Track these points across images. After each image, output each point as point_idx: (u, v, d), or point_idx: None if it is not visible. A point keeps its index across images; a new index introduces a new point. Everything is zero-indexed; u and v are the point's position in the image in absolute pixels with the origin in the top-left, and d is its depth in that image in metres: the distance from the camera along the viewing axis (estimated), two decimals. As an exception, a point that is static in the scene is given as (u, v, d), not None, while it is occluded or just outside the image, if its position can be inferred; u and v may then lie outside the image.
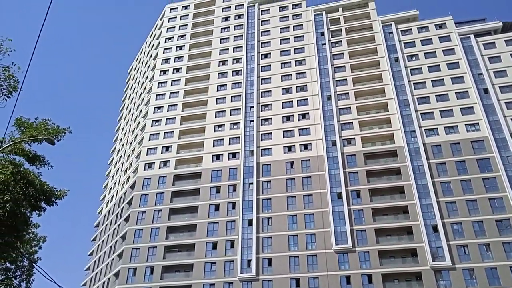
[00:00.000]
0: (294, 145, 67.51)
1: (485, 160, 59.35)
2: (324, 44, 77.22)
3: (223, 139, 71.34)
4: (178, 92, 79.64)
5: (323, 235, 58.36)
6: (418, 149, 62.23)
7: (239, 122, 72.23)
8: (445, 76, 68.11)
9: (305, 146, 67.10)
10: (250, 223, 61.86)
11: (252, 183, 65.24)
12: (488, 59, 68.20)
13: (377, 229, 57.74)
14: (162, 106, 78.65)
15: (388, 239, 57.49)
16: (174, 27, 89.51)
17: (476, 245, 53.48)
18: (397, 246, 56.37)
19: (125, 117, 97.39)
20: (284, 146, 67.84)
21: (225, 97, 76.07)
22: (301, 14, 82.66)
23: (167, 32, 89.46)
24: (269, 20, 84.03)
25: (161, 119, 77.05)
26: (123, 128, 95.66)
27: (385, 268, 54.84)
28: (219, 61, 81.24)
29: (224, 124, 72.97)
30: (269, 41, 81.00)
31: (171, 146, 73.37)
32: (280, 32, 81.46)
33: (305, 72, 74.81)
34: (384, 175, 62.61)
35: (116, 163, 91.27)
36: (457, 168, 59.55)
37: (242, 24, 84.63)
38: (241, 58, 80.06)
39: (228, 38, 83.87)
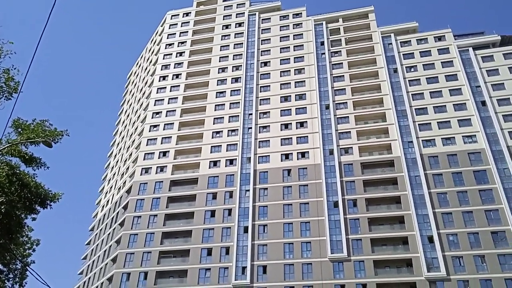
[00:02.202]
0: (291, 153, 67.60)
1: (481, 172, 59.53)
2: (324, 53, 77.69)
3: (221, 145, 71.41)
4: (177, 98, 79.82)
5: (318, 243, 58.25)
6: (415, 160, 62.40)
7: (237, 129, 72.35)
8: (443, 88, 68.53)
9: (303, 154, 67.20)
10: (246, 230, 61.73)
11: (248, 190, 65.20)
12: (486, 71, 68.70)
13: (373, 238, 57.67)
14: (161, 112, 78.78)
15: (384, 248, 57.43)
16: (175, 33, 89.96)
17: (472, 257, 53.45)
18: (392, 256, 56.28)
19: (123, 121, 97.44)
20: (281, 154, 67.93)
21: (224, 104, 76.28)
22: (302, 23, 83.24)
23: (167, 38, 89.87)
24: (270, 28, 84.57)
25: (159, 124, 77.13)
26: (121, 132, 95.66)
27: (380, 278, 54.70)
28: (219, 68, 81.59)
29: (222, 131, 73.08)
30: (269, 50, 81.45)
31: (169, 151, 73.37)
32: (280, 41, 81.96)
33: (304, 81, 75.15)
34: (380, 184, 62.67)
35: (112, 167, 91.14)
36: (454, 179, 59.69)
37: (243, 32, 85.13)
38: (241, 65, 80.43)
39: (228, 45, 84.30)
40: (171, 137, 75.00)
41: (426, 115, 66.52)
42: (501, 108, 64.36)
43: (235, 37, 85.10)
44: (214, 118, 75.00)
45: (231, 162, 69.25)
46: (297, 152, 67.43)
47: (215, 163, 69.87)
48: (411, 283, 54.11)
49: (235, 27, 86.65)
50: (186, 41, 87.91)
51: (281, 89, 75.40)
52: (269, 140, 69.98)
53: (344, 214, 59.81)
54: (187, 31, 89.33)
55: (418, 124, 65.88)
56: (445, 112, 66.05)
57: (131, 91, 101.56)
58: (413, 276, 53.97)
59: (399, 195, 60.25)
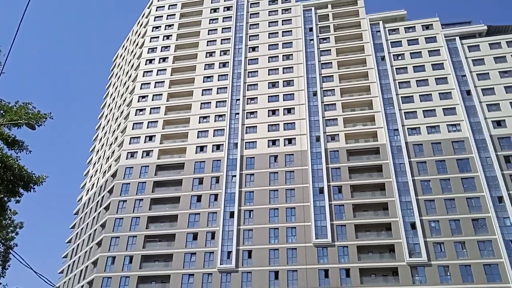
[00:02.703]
0: (278, 139, 67.75)
1: (464, 160, 60.57)
2: (312, 40, 77.41)
3: (208, 130, 71.15)
4: (163, 81, 78.96)
5: (303, 229, 58.90)
6: (400, 147, 63.12)
7: (224, 115, 72.07)
8: (429, 77, 69.07)
9: (289, 141, 67.41)
10: (231, 215, 62.03)
11: (235, 176, 65.32)
12: (472, 61, 69.37)
13: (357, 224, 58.53)
14: (147, 96, 77.92)
15: (367, 234, 58.37)
16: (162, 16, 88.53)
17: (452, 243, 54.70)
18: (376, 242, 57.27)
19: (109, 105, 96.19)
20: (268, 140, 68.03)
21: (211, 89, 75.75)
22: (290, 9, 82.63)
23: (154, 21, 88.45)
24: (258, 13, 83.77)
25: (145, 109, 76.37)
26: (106, 116, 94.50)
27: (363, 263, 55.71)
28: (206, 53, 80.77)
29: (209, 116, 72.73)
30: (257, 35, 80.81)
31: (155, 136, 72.86)
32: (269, 26, 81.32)
33: (292, 67, 74.95)
34: (366, 171, 63.36)
35: (98, 151, 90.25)
36: (437, 167, 60.65)
37: (231, 16, 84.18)
38: (229, 50, 79.73)
39: (216, 29, 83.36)
40: (157, 121, 74.39)
41: (412, 103, 67.10)
42: (485, 97, 65.22)
43: (223, 21, 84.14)
44: (201, 103, 74.51)
45: (217, 147, 69.15)
46: (284, 139, 67.60)
47: (201, 148, 69.69)
48: (393, 268, 55.26)
49: (223, 11, 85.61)
50: (173, 24, 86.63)
51: (269, 75, 75.12)
52: (256, 126, 69.94)
53: (329, 200, 60.46)
54: (175, 14, 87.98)
55: (404, 112, 66.46)
56: (430, 101, 66.70)
57: (117, 74, 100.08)
58: (395, 261, 55.08)
59: (384, 182, 61.05)
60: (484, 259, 52.89)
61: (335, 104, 69.62)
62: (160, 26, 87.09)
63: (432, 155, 61.81)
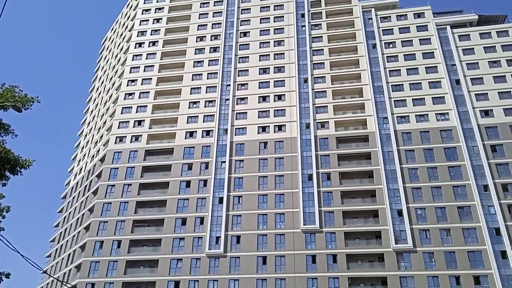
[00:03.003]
0: (268, 126, 67.72)
1: (452, 149, 61.27)
2: (304, 26, 76.90)
3: (198, 116, 70.78)
4: (153, 66, 78.03)
5: (292, 215, 59.35)
6: (389, 135, 63.55)
7: (215, 100, 71.66)
8: (420, 65, 69.26)
9: (280, 127, 67.42)
10: (220, 201, 62.19)
11: (224, 162, 65.30)
12: (462, 50, 69.63)
13: (345, 211, 59.14)
14: (136, 79, 77.04)
15: (355, 221, 59.05)
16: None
17: (437, 230, 55.65)
18: (363, 228, 58.00)
19: (97, 88, 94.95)
20: (258, 126, 67.96)
21: (202, 74, 75.10)
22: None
23: (144, 3, 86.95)
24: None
25: (134, 93, 75.56)
26: (95, 99, 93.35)
27: (350, 249, 56.46)
28: (197, 37, 79.82)
29: (199, 101, 72.26)
30: (249, 20, 80.00)
31: (144, 120, 72.29)
32: (260, 12, 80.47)
33: (284, 53, 74.53)
34: (354, 159, 63.80)
35: (86, 135, 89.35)
36: (425, 156, 61.30)
37: (222, 1, 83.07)
38: (220, 35, 78.88)
39: (207, 13, 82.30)
40: (146, 106, 73.74)
41: (402, 91, 67.37)
42: (474, 87, 65.72)
43: (214, 5, 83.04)
44: (191, 88, 73.93)
45: (207, 133, 68.92)
46: (274, 125, 67.58)
47: (191, 134, 69.40)
48: (379, 254, 56.12)
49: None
50: (163, 7, 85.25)
51: (260, 60, 74.64)
52: (246, 112, 69.74)
53: (317, 187, 60.88)
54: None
55: (394, 101, 66.74)
56: (420, 90, 67.01)
57: (105, 58, 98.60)
58: (381, 247, 55.91)
59: (372, 169, 61.57)
60: (468, 246, 53.97)
61: (325, 91, 69.60)
62: (150, 9, 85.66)
63: (420, 143, 62.39)
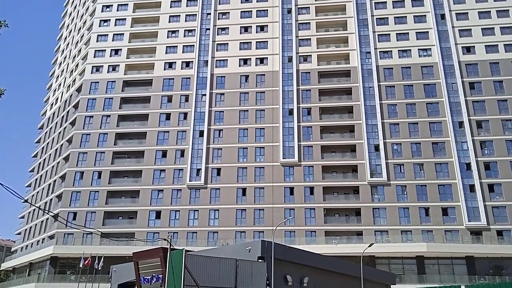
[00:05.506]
0: (250, 58, 66.22)
1: (431, 86, 61.70)
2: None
3: (177, 46, 68.41)
4: (129, -10, 73.43)
5: (272, 149, 60.17)
6: (371, 71, 63.21)
7: (194, 30, 68.97)
8: (406, -2, 67.24)
9: (261, 60, 66.05)
10: (201, 134, 62.25)
11: (205, 95, 64.43)
12: (450, -17, 67.54)
13: (323, 145, 60.23)
14: (112, 5, 72.89)
15: (333, 155, 60.40)
16: None
17: (411, 164, 57.65)
18: (340, 162, 59.55)
19: (70, 13, 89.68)
20: (240, 59, 66.39)
21: (181, 1, 71.43)
22: None
23: None
24: None
25: (110, 19, 71.83)
26: (68, 26, 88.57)
27: (327, 182, 58.32)
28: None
29: (178, 30, 69.45)
30: None
31: (121, 49, 69.54)
32: None
33: (267, -19, 70.91)
34: (335, 94, 63.79)
35: (60, 63, 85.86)
36: (405, 92, 61.71)
37: None
38: (200, -42, 73.90)
39: None
40: (123, 34, 70.57)
41: (386, 25, 66.00)
42: (459, 22, 64.77)
43: None
44: (170, 16, 70.62)
45: (187, 64, 67.14)
46: (256, 58, 66.11)
47: (170, 65, 67.50)
48: (354, 187, 58.27)
49: None
50: None
51: (242, -12, 70.99)
52: (227, 43, 67.67)
53: (298, 121, 61.24)
54: None
55: (378, 35, 65.53)
56: (405, 24, 65.75)
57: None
58: (357, 180, 57.92)
59: (352, 105, 61.92)
60: (440, 180, 56.38)
61: (309, 23, 67.57)
62: None
63: (401, 79, 62.46)
